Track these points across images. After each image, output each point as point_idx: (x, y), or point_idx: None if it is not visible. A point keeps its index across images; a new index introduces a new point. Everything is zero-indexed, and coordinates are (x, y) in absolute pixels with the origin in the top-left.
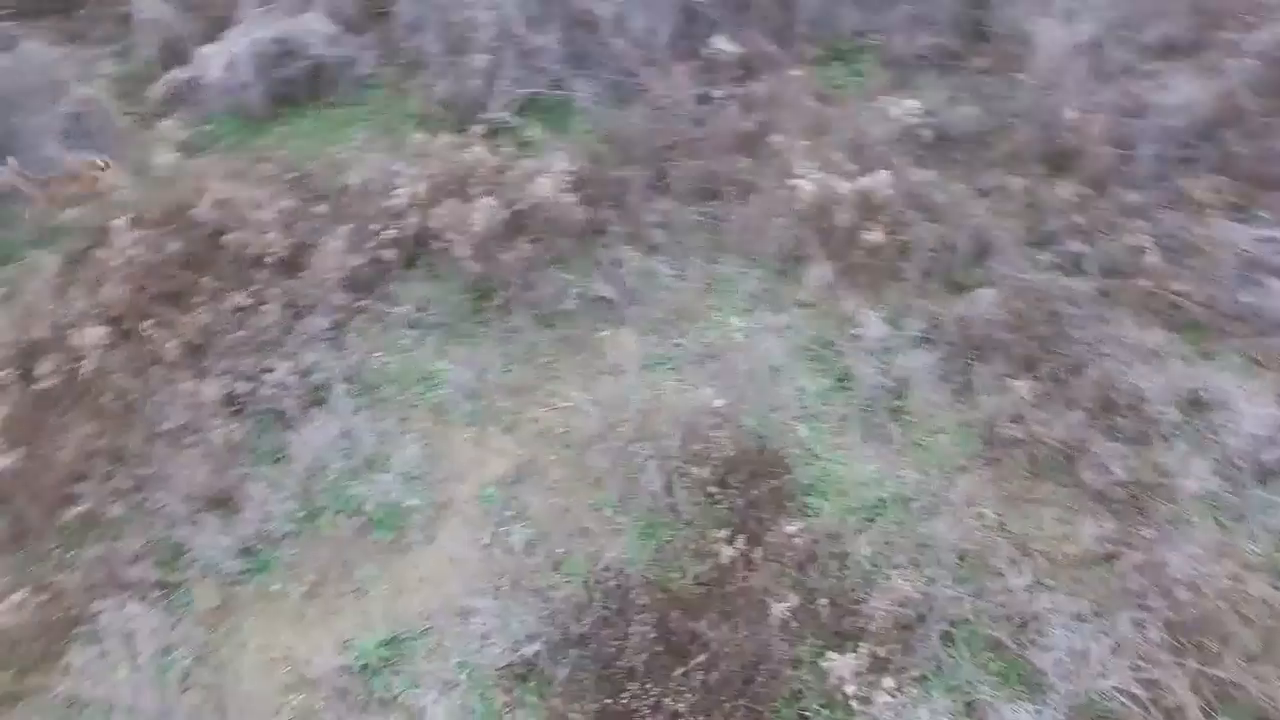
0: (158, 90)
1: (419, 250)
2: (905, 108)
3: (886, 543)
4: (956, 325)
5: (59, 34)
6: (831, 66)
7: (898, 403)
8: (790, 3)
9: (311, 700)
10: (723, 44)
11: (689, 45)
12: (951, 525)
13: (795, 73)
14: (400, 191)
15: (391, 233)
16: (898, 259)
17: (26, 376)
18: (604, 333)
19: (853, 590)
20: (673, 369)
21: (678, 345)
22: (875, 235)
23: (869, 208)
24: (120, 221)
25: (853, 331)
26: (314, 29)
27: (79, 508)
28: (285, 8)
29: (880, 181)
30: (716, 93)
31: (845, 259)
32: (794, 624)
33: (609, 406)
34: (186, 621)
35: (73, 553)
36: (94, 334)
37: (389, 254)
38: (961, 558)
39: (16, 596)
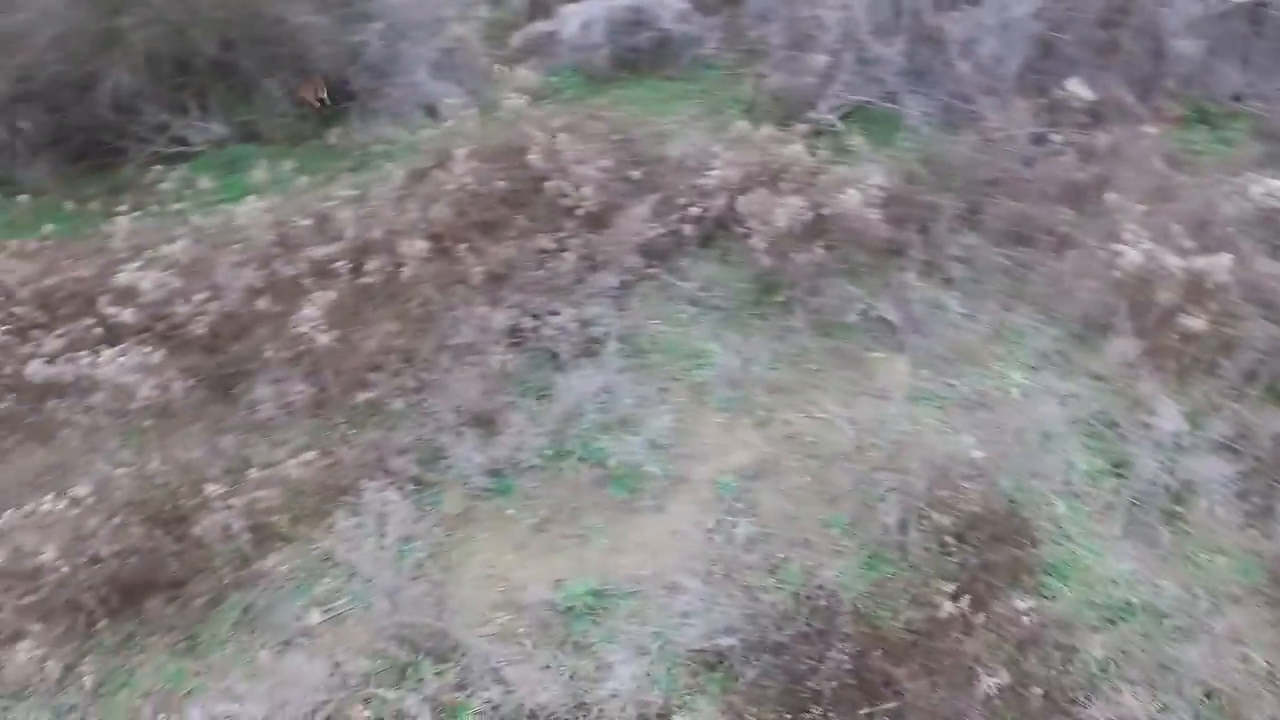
0: (519, 38)
1: (717, 232)
2: (1271, 189)
3: (1124, 651)
4: (1271, 441)
5: None
6: (1194, 129)
7: (1176, 507)
8: (1163, 52)
9: (516, 623)
10: (1075, 86)
11: (1037, 81)
12: (1206, 656)
13: (1149, 129)
14: (713, 172)
15: (696, 210)
16: (1217, 353)
17: (356, 270)
18: (877, 354)
19: (1073, 690)
20: (939, 408)
21: (950, 385)
22: (1197, 322)
23: (1198, 291)
24: (462, 150)
25: (1144, 418)
26: (667, 3)
27: (369, 394)
28: None
29: (1219, 265)
30: (1055, 136)
31: (1155, 339)
32: (998, 703)
33: (864, 428)
34: (430, 519)
35: (355, 431)
36: (417, 246)
37: (688, 229)
38: (1210, 695)
39: (308, 455)
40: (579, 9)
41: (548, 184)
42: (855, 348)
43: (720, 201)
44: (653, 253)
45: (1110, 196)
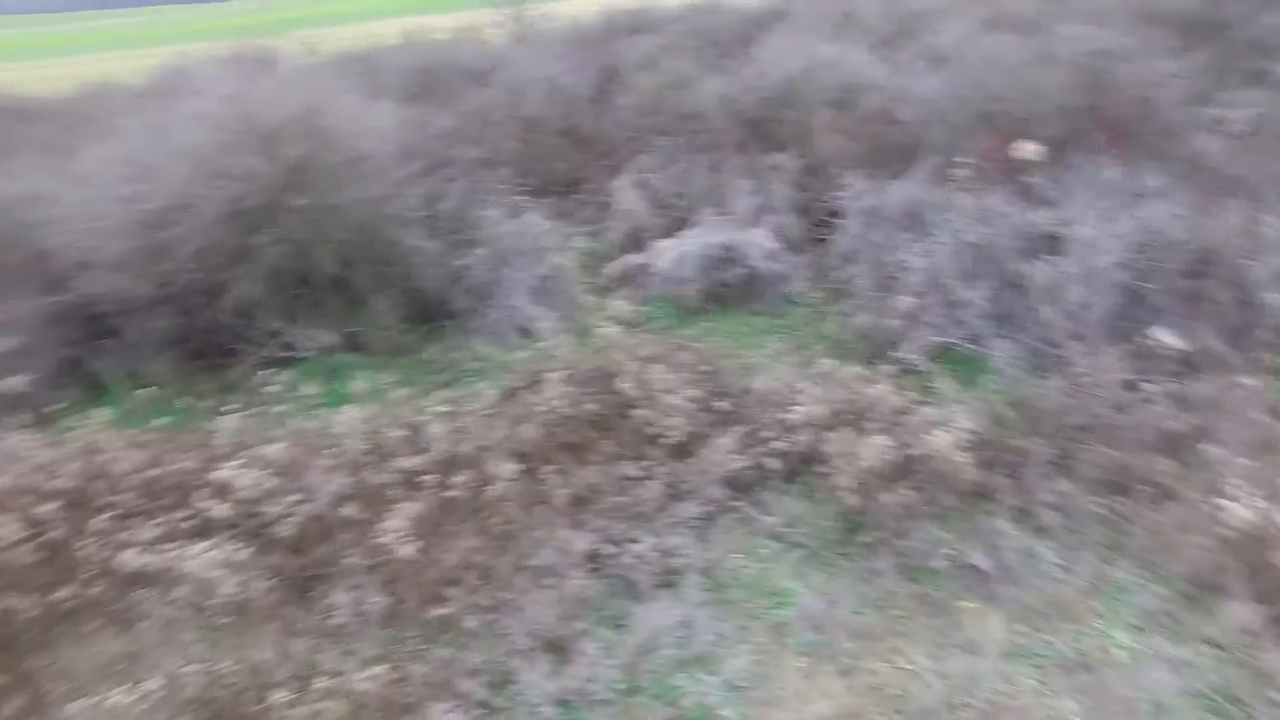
0: (613, 269)
1: (802, 468)
2: None
3: None
4: None
5: (554, 210)
6: None
7: None
8: (1254, 303)
9: None
10: (1164, 335)
11: (1125, 328)
12: None
13: (1246, 380)
14: (798, 408)
15: (780, 444)
16: None
17: (443, 484)
18: (967, 604)
19: None
20: (1036, 667)
21: (1047, 642)
22: None
23: None
24: (553, 374)
25: (1273, 695)
26: (757, 243)
27: (444, 610)
28: (737, 221)
29: None
30: (1147, 384)
31: (1278, 606)
32: None
33: (954, 685)
34: None
35: (426, 647)
36: (504, 464)
37: (772, 463)
38: None
39: (377, 669)
40: (671, 244)
41: (635, 412)
42: (944, 595)
43: (805, 437)
44: (736, 485)
45: (1210, 448)
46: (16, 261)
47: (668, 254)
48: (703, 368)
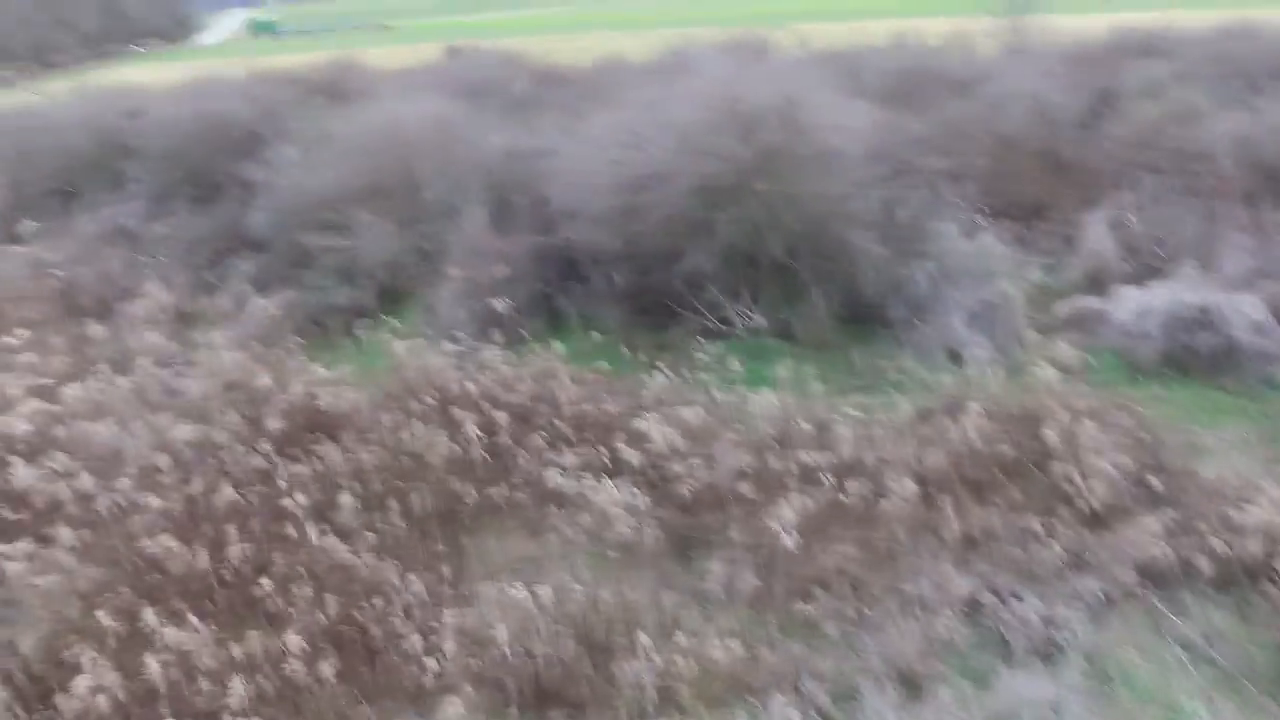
0: (1065, 309)
1: (1241, 579)
2: None
3: None
4: None
5: (1012, 235)
6: None
7: None
8: None
9: None
10: None
11: None
12: None
13: None
14: (1254, 509)
15: (1220, 545)
16: None
17: (838, 486)
18: None
19: None
20: None
21: None
22: None
23: None
24: (975, 404)
25: None
26: (1244, 311)
27: (808, 607)
28: (1223, 281)
29: None
30: None
31: None
32: None
33: None
34: None
35: (782, 638)
36: (903, 483)
37: (1205, 564)
38: None
39: (732, 642)
40: (1138, 294)
41: (1053, 464)
42: None
43: (1255, 545)
44: (1152, 575)
45: None
46: (522, 204)
47: (1131, 303)
48: (1142, 435)
